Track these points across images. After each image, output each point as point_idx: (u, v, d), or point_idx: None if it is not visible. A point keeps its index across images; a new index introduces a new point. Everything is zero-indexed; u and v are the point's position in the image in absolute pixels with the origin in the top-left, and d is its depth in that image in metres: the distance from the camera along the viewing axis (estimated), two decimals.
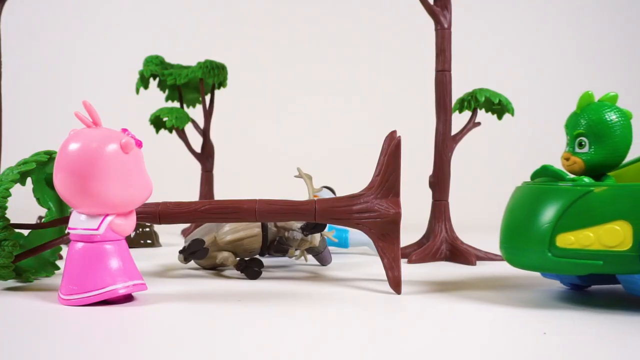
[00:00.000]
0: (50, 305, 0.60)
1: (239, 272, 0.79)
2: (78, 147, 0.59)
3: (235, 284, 0.74)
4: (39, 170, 0.73)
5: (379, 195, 0.69)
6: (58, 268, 0.75)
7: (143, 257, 0.92)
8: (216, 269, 0.84)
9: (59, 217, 0.75)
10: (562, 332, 0.53)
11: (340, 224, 0.72)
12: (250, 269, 0.77)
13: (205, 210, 0.71)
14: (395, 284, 0.68)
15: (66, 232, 0.65)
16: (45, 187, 0.75)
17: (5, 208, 0.66)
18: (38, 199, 0.75)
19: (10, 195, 0.67)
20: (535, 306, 0.62)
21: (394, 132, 0.70)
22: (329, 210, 0.70)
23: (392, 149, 0.69)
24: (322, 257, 0.88)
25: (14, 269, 0.67)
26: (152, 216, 0.71)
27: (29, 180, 0.73)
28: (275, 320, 0.56)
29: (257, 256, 0.84)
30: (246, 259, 0.79)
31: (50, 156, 0.71)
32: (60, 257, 0.79)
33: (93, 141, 0.59)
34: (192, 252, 0.79)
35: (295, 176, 0.88)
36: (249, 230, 0.81)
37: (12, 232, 0.67)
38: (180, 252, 0.80)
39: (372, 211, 0.69)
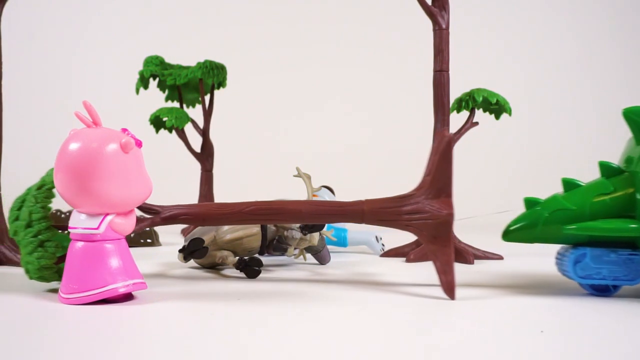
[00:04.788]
0: (51, 304, 0.61)
1: (238, 271, 0.80)
2: (78, 147, 0.59)
3: (235, 284, 0.74)
4: None
5: (430, 195, 0.67)
6: None
7: (143, 256, 0.92)
8: (216, 268, 0.84)
9: None
10: (562, 331, 0.53)
11: (389, 226, 0.69)
12: (250, 268, 0.78)
13: (250, 211, 0.70)
14: (449, 288, 0.64)
15: (65, 232, 0.66)
16: None
17: (49, 209, 0.66)
18: None
19: (54, 196, 0.66)
20: (535, 305, 0.63)
21: (445, 131, 0.68)
22: (378, 212, 0.68)
23: (442, 148, 0.65)
24: (321, 256, 0.88)
25: (57, 270, 0.66)
26: (195, 218, 0.70)
27: None
28: (274, 320, 0.56)
29: (256, 255, 0.84)
30: (245, 258, 0.80)
31: None
32: None
33: (93, 141, 0.59)
34: (192, 251, 0.80)
35: (295, 175, 0.89)
36: (248, 229, 0.82)
37: (55, 233, 0.67)
38: (180, 251, 0.81)
39: (422, 212, 0.66)
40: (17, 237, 0.66)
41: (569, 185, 0.68)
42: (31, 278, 0.67)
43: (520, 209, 0.70)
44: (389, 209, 0.68)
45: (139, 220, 0.72)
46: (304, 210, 0.69)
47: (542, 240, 0.68)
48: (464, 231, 1.01)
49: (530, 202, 0.69)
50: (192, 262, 0.85)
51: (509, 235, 0.69)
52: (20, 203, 0.68)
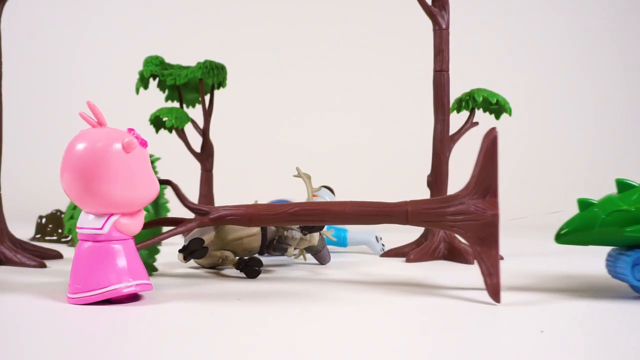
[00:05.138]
0: (51, 304, 0.61)
1: (238, 271, 0.80)
2: (83, 147, 0.59)
3: (235, 284, 0.74)
4: None
5: (476, 196, 0.65)
6: (156, 269, 0.77)
7: None
8: (216, 268, 0.84)
9: (155, 219, 0.76)
10: (561, 331, 0.53)
11: (433, 227, 0.68)
12: (250, 268, 0.78)
13: (294, 212, 0.70)
14: (494, 291, 0.63)
15: (65, 236, 0.66)
16: None
17: None
18: None
19: None
20: (534, 305, 0.63)
21: (493, 129, 0.65)
22: (422, 213, 0.67)
23: (487, 146, 0.63)
24: (321, 256, 0.88)
25: None
26: (242, 218, 0.71)
27: None
28: (274, 320, 0.57)
29: (257, 255, 0.84)
30: (245, 258, 0.80)
31: (151, 157, 0.72)
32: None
33: (98, 141, 0.59)
34: (192, 251, 0.80)
35: (295, 176, 0.89)
36: (248, 229, 0.82)
37: None
38: (180, 251, 0.81)
39: (467, 213, 0.65)
40: (73, 234, 0.67)
41: (623, 186, 0.66)
42: None
43: (572, 210, 0.68)
44: (433, 210, 0.67)
45: (188, 221, 0.73)
46: (348, 211, 0.69)
47: (599, 243, 0.65)
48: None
49: (584, 204, 0.66)
50: (192, 262, 0.85)
51: (563, 237, 0.67)
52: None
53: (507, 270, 0.79)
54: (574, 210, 0.67)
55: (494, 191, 0.64)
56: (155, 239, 0.72)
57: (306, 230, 0.81)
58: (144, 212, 0.64)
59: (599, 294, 0.67)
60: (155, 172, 0.78)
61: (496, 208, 0.64)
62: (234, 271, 0.82)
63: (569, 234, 0.66)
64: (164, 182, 0.78)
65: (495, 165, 0.63)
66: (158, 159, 0.77)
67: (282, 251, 0.83)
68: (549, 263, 0.91)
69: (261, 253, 0.84)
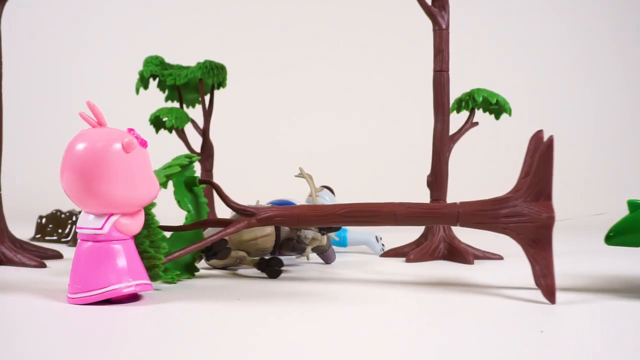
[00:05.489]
0: (51, 304, 0.61)
1: (237, 271, 0.80)
2: (83, 147, 0.59)
3: (235, 284, 0.74)
4: (179, 173, 0.73)
5: (529, 198, 0.65)
6: (197, 270, 0.77)
7: None
8: (228, 269, 0.83)
9: (198, 220, 0.76)
10: (562, 330, 0.53)
11: (485, 229, 0.68)
12: (272, 268, 0.78)
13: (343, 214, 0.70)
14: (549, 292, 0.63)
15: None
16: (184, 190, 0.77)
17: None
18: (179, 202, 0.77)
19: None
20: (534, 304, 0.63)
21: (540, 132, 0.66)
22: (474, 214, 0.67)
23: (543, 150, 0.63)
24: (327, 256, 0.88)
25: (163, 270, 0.68)
26: (290, 219, 0.71)
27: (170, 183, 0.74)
28: (275, 319, 0.57)
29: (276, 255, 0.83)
30: (266, 258, 0.79)
31: (190, 160, 0.73)
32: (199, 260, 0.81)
33: (98, 141, 0.59)
34: (216, 252, 0.78)
35: (297, 175, 0.89)
36: (263, 229, 0.81)
37: (160, 233, 0.68)
38: (203, 251, 0.80)
39: (521, 215, 0.65)
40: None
41: (635, 206, 0.66)
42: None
43: (620, 212, 0.67)
44: (485, 212, 0.67)
45: (236, 222, 0.72)
46: (398, 212, 0.69)
47: None
48: (463, 231, 1.01)
49: (634, 205, 0.66)
50: (202, 263, 0.84)
51: (613, 239, 0.67)
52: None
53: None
54: (570, 211, 0.67)
55: (548, 194, 0.64)
56: (206, 241, 0.72)
57: (324, 230, 0.80)
58: (143, 212, 0.64)
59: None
60: (193, 172, 0.78)
61: (551, 211, 0.64)
62: (234, 271, 0.82)
63: (619, 236, 0.66)
64: (204, 182, 0.78)
65: (550, 170, 0.64)
66: (198, 158, 0.76)
67: (301, 251, 0.83)
68: (595, 263, 0.91)
69: (272, 253, 0.83)
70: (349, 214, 0.70)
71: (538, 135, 0.67)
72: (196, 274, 0.78)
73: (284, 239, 0.83)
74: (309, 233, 0.81)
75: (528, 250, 0.65)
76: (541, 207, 0.64)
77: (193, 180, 0.78)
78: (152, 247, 0.67)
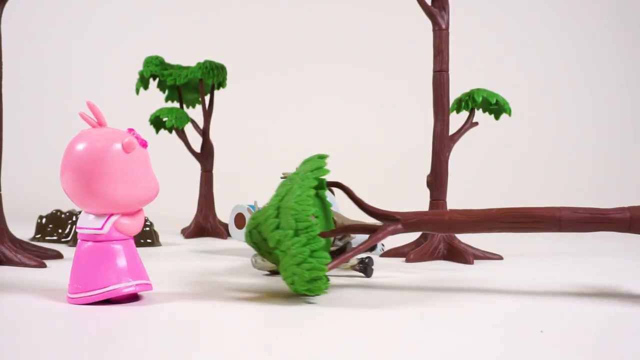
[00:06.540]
0: (51, 305, 0.61)
1: (230, 272, 0.80)
2: (83, 148, 0.59)
3: (235, 284, 0.74)
4: (326, 172, 0.68)
5: None
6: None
7: (143, 257, 0.92)
8: (273, 273, 0.80)
9: (344, 226, 0.70)
10: (561, 330, 0.53)
11: None
12: (370, 268, 0.78)
13: (498, 218, 0.65)
14: None
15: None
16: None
17: (311, 214, 0.61)
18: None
19: (312, 201, 0.63)
20: (534, 304, 0.63)
21: None
22: None
23: None
24: (367, 268, 0.80)
25: (326, 280, 0.62)
26: (440, 225, 0.67)
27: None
28: (275, 319, 0.57)
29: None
30: (365, 259, 0.78)
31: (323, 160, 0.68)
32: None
33: (98, 141, 0.59)
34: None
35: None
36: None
37: (321, 241, 0.61)
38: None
39: None
40: (281, 247, 0.60)
41: None
42: (296, 291, 0.62)
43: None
44: None
45: (382, 227, 0.67)
46: (564, 218, 0.64)
47: None
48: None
49: None
50: (206, 266, 0.84)
51: None
52: (275, 210, 0.62)
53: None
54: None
55: None
56: (355, 252, 0.66)
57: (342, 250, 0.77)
58: (143, 212, 0.64)
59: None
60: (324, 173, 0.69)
61: None
62: (233, 271, 0.82)
63: None
64: (333, 185, 0.73)
65: None
66: (328, 156, 0.70)
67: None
68: (595, 263, 0.91)
69: None
70: (506, 219, 0.65)
71: None
72: (195, 274, 0.78)
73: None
74: (259, 259, 0.78)
75: None
76: None
77: (321, 182, 0.71)
78: (314, 257, 0.59)
